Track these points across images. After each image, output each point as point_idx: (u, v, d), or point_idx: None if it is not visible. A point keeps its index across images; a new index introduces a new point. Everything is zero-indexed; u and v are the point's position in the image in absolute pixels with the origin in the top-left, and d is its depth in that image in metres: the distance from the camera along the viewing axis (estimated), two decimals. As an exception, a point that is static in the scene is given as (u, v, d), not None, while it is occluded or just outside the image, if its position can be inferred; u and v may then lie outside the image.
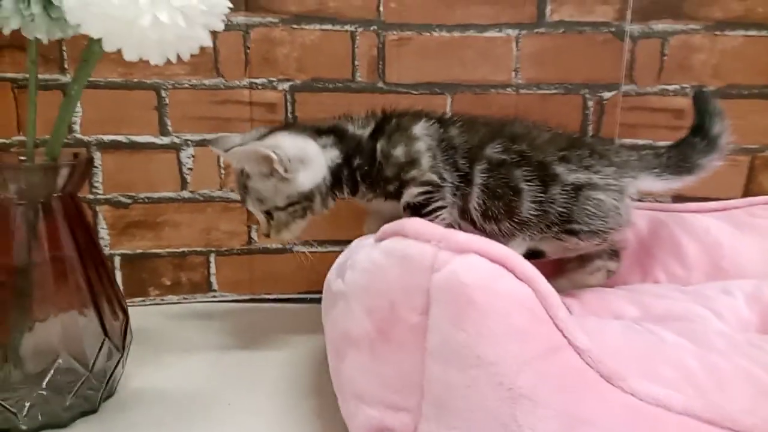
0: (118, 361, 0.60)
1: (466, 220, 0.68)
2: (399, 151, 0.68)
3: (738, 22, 0.83)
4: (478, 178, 0.66)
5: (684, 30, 0.84)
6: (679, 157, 0.69)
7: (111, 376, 0.59)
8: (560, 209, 0.64)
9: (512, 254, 0.41)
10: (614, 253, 0.74)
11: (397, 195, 0.68)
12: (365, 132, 0.71)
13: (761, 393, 0.45)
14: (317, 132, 0.71)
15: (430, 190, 0.66)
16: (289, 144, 0.68)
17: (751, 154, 0.87)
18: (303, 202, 0.70)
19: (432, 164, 0.67)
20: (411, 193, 0.67)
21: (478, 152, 0.67)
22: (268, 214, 0.71)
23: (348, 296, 0.49)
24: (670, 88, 0.86)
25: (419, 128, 0.69)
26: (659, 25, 0.84)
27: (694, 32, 0.84)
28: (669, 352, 0.50)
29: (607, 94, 0.86)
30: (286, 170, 0.67)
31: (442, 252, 0.42)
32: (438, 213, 0.67)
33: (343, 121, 0.74)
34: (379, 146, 0.69)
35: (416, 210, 0.67)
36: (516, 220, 0.65)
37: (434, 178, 0.66)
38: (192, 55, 0.85)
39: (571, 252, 0.69)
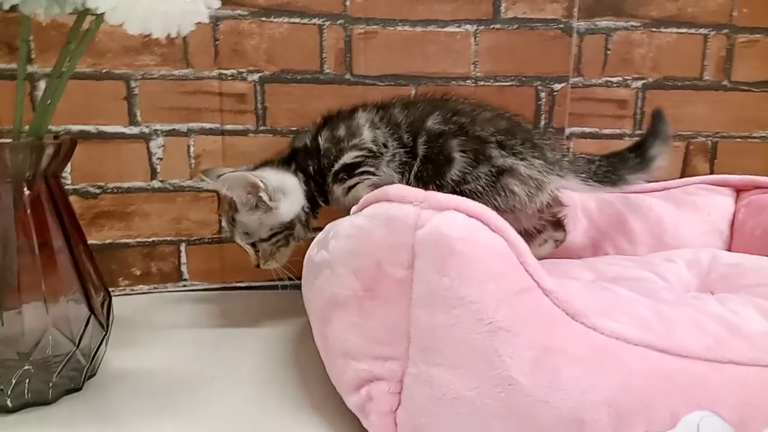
0: (102, 339, 0.61)
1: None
2: (341, 130, 0.74)
3: (672, 21, 0.92)
4: (420, 150, 0.70)
5: (625, 27, 0.92)
6: (609, 168, 0.72)
7: (95, 354, 0.60)
8: (478, 187, 0.67)
9: (486, 210, 0.46)
10: (558, 224, 0.79)
11: (339, 173, 0.73)
12: (309, 136, 0.77)
13: (704, 332, 0.51)
14: (284, 162, 0.77)
15: (366, 155, 0.71)
16: (273, 176, 0.74)
17: (686, 140, 0.96)
18: (285, 231, 0.75)
19: (373, 137, 0.72)
20: (348, 155, 0.72)
21: (420, 125, 0.71)
22: (254, 246, 0.76)
23: (333, 262, 0.52)
24: (614, 80, 0.94)
25: (360, 113, 0.74)
26: (603, 22, 0.92)
27: (634, 29, 0.92)
28: (624, 303, 0.56)
29: (557, 86, 0.93)
30: (270, 199, 0.72)
31: (424, 211, 0.46)
32: (365, 177, 0.71)
33: (296, 139, 0.80)
34: (321, 137, 0.75)
35: (348, 170, 0.71)
36: (438, 183, 0.69)
37: (373, 147, 0.71)
38: (161, 46, 0.87)
39: None
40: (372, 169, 0.71)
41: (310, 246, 0.63)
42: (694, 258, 0.77)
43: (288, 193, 0.74)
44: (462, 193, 0.66)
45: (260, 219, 0.74)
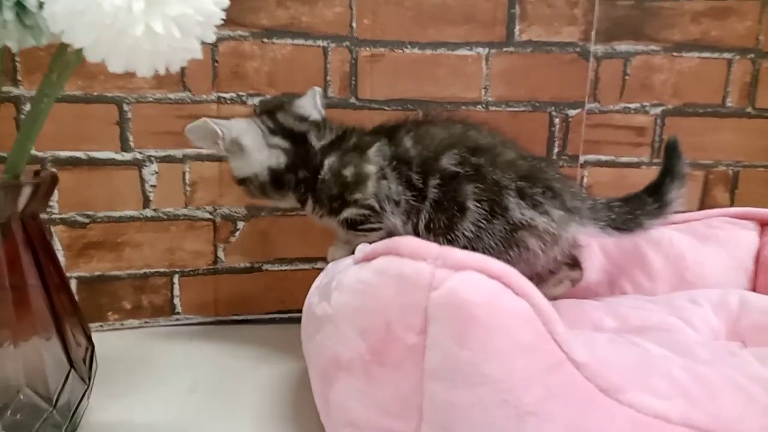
0: (84, 394, 0.56)
1: (416, 231, 0.67)
2: (348, 171, 0.68)
3: (694, 44, 0.88)
4: (431, 193, 0.65)
5: (645, 51, 0.88)
6: (627, 216, 0.67)
7: (76, 410, 0.55)
8: (491, 243, 0.62)
9: (510, 270, 0.41)
10: (574, 263, 0.74)
11: (338, 212, 0.68)
12: (320, 143, 0.71)
13: (749, 401, 0.46)
14: (277, 130, 0.71)
15: (369, 214, 0.67)
16: (239, 128, 0.70)
17: (705, 169, 0.92)
18: (245, 184, 0.72)
19: (376, 192, 0.66)
20: (350, 212, 0.67)
21: (433, 164, 0.65)
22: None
23: (337, 319, 0.48)
24: (632, 106, 0.89)
25: (372, 150, 0.68)
26: (622, 46, 0.87)
27: (654, 53, 0.88)
28: (657, 363, 0.51)
29: (572, 112, 0.88)
30: (225, 150, 0.69)
31: (439, 270, 0.41)
32: (371, 233, 0.67)
33: (313, 127, 0.73)
34: (327, 162, 0.69)
35: (351, 225, 0.68)
36: (449, 237, 0.63)
37: (375, 204, 0.66)
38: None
39: None
40: (376, 225, 0.67)
41: (310, 291, 0.59)
42: (722, 300, 0.72)
43: (244, 152, 0.70)
44: (474, 249, 0.61)
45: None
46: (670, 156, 0.71)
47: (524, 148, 0.70)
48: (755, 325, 0.65)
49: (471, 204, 0.62)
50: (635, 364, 0.50)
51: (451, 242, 0.63)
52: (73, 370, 0.53)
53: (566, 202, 0.64)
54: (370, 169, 0.67)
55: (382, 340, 0.43)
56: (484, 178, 0.62)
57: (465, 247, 0.61)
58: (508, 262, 0.58)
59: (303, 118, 0.73)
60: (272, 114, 0.72)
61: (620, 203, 0.68)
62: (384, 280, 0.44)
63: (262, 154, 0.70)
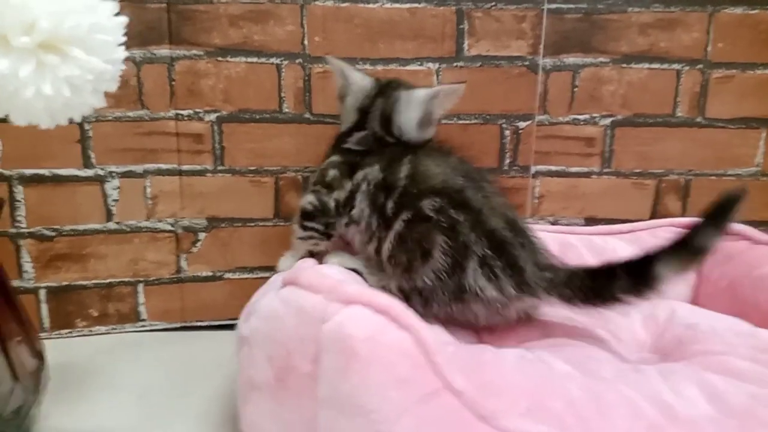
0: (31, 407, 0.60)
1: (379, 256, 0.69)
2: (332, 174, 0.72)
3: (643, 56, 0.89)
4: (398, 224, 0.66)
5: (593, 63, 0.89)
6: (594, 286, 0.63)
7: (23, 423, 0.59)
8: (444, 296, 0.63)
9: (395, 305, 0.44)
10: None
11: (305, 194, 0.74)
12: (349, 145, 0.75)
13: (637, 418, 0.49)
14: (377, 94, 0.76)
15: (320, 209, 0.70)
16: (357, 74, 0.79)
17: (657, 178, 0.93)
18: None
19: (338, 199, 0.70)
20: (308, 198, 0.72)
21: (414, 200, 0.65)
22: None
23: (251, 342, 0.51)
24: (581, 117, 0.91)
25: (360, 174, 0.70)
26: (570, 59, 0.89)
27: (602, 65, 0.89)
28: (557, 383, 0.54)
29: (522, 124, 0.90)
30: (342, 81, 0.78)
31: (331, 304, 0.45)
32: (313, 235, 0.71)
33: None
34: (332, 157, 0.75)
35: (302, 215, 0.73)
36: (408, 278, 0.64)
37: (331, 206, 0.70)
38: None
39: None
40: (319, 227, 0.71)
41: (245, 308, 0.62)
42: (652, 313, 0.74)
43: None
44: (427, 296, 0.63)
45: None
46: (709, 218, 0.60)
47: (511, 206, 0.70)
48: (677, 338, 0.68)
49: (437, 253, 0.63)
50: (535, 385, 0.52)
51: (409, 281, 0.64)
52: (18, 384, 0.57)
53: (526, 273, 0.63)
54: (346, 186, 0.71)
55: (285, 367, 0.47)
56: (456, 236, 0.63)
57: (420, 291, 0.63)
58: (449, 314, 0.63)
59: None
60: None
61: (585, 272, 0.64)
62: (287, 311, 0.47)
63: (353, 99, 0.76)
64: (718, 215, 0.60)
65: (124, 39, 0.44)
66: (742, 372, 0.58)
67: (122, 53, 0.44)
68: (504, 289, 0.63)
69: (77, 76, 0.40)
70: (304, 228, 0.72)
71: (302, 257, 0.70)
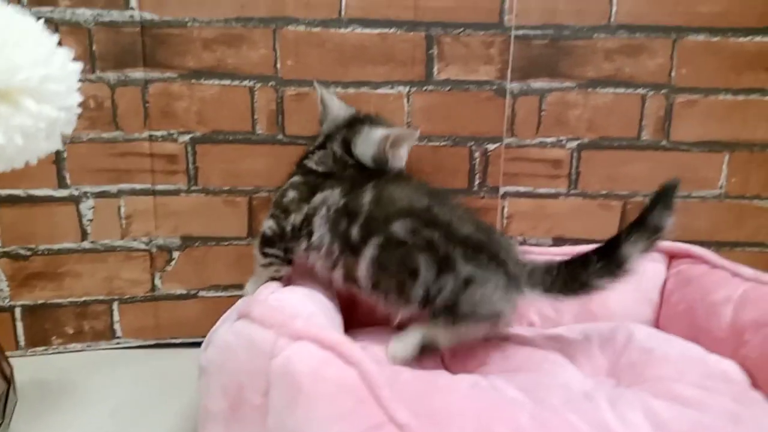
0: (-2, 430, 0.61)
1: (352, 283, 0.70)
2: (291, 195, 0.73)
3: (608, 81, 0.91)
4: (370, 251, 0.67)
5: (560, 87, 0.91)
6: (568, 276, 0.69)
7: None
8: (448, 295, 0.66)
9: (343, 340, 0.46)
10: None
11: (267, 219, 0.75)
12: (311, 165, 0.77)
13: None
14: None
15: (278, 234, 0.71)
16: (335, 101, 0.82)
17: (623, 199, 0.95)
18: None
19: (294, 228, 0.71)
20: (267, 223, 0.73)
21: (383, 226, 0.67)
22: None
23: (207, 372, 0.53)
24: (548, 140, 0.93)
25: (319, 197, 0.71)
26: (537, 83, 0.91)
27: (569, 89, 0.91)
28: (506, 410, 0.56)
29: (491, 146, 0.92)
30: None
31: (280, 339, 0.46)
32: (273, 261, 0.72)
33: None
34: (293, 178, 0.76)
35: (261, 240, 0.73)
36: (405, 298, 0.68)
37: (288, 230, 0.71)
38: (89, 109, 0.87)
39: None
40: (278, 253, 0.72)
41: (208, 335, 0.64)
42: (611, 336, 0.76)
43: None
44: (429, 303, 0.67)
45: None
46: (654, 202, 0.67)
47: (476, 216, 0.74)
48: (631, 363, 0.70)
49: (423, 270, 0.66)
50: (483, 412, 0.54)
51: (408, 302, 0.67)
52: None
53: (509, 270, 0.68)
54: (303, 209, 0.71)
55: (238, 399, 0.49)
56: (436, 251, 0.66)
57: (421, 304, 0.67)
58: (474, 302, 0.66)
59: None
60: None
61: (559, 265, 0.69)
62: (239, 343, 0.49)
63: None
64: (664, 198, 0.67)
65: (78, 85, 0.46)
66: (688, 398, 0.60)
67: (76, 99, 0.46)
68: (498, 276, 0.67)
69: (29, 126, 0.41)
70: (265, 255, 0.73)
71: (267, 281, 0.72)
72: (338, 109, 0.80)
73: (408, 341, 0.69)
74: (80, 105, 0.84)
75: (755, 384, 0.65)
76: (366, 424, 0.44)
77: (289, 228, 0.72)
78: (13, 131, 0.40)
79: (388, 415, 0.45)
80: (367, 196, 0.70)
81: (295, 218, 0.72)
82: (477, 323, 0.68)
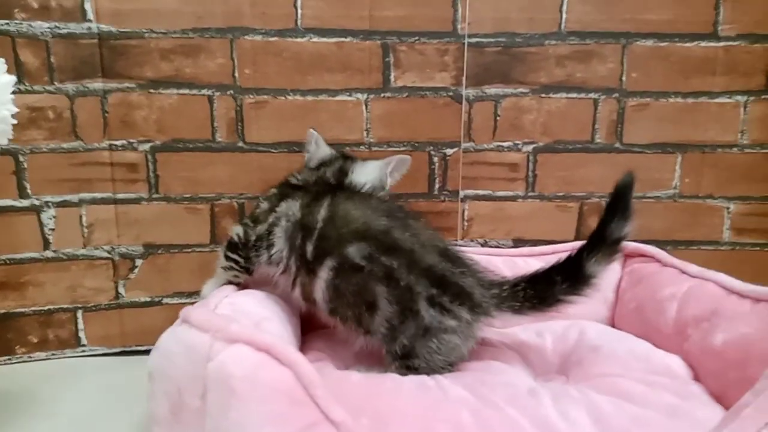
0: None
1: (311, 304, 0.70)
2: (263, 206, 0.75)
3: (561, 86, 0.93)
4: (324, 273, 0.66)
5: (514, 93, 0.93)
6: (534, 292, 0.68)
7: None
8: (406, 342, 0.65)
9: (276, 343, 0.47)
10: None
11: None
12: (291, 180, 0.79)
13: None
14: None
15: (243, 242, 0.72)
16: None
17: (579, 201, 0.97)
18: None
19: (259, 238, 0.72)
20: (237, 228, 0.74)
21: (337, 247, 0.66)
22: None
23: (152, 377, 0.54)
24: (505, 144, 0.95)
25: (283, 206, 0.72)
26: (492, 89, 0.93)
27: (522, 95, 0.93)
28: (447, 409, 0.57)
29: (449, 151, 0.94)
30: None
31: (216, 342, 0.47)
32: (233, 266, 0.73)
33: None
34: (271, 190, 0.78)
35: (227, 245, 0.74)
36: (366, 330, 0.67)
37: (251, 238, 0.72)
38: (48, 120, 0.88)
39: None
40: (240, 260, 0.72)
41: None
42: (563, 334, 0.78)
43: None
44: (393, 340, 0.66)
45: None
46: (610, 211, 0.66)
47: (440, 238, 0.73)
48: (580, 360, 0.71)
49: (382, 303, 0.65)
50: (425, 411, 0.56)
51: (367, 333, 0.67)
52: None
53: (476, 300, 0.67)
54: (269, 219, 0.72)
55: (177, 403, 0.50)
56: (396, 283, 0.65)
57: (382, 339, 0.66)
58: (429, 360, 0.65)
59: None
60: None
61: (525, 281, 0.69)
62: (178, 348, 0.50)
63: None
64: (619, 205, 0.66)
65: (11, 97, 0.47)
66: (631, 394, 0.62)
67: (10, 110, 0.47)
68: (461, 317, 0.66)
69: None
70: (227, 258, 0.74)
71: (224, 284, 0.74)
72: (326, 150, 0.83)
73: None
74: (39, 115, 0.85)
75: (697, 377, 0.67)
76: (301, 424, 0.45)
77: (253, 238, 0.72)
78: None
79: (323, 413, 0.46)
80: (321, 212, 0.69)
81: (260, 228, 0.72)
82: (431, 371, 0.66)
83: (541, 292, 0.68)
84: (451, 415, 0.56)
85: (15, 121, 0.48)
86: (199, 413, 0.48)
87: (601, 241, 0.67)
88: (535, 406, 0.59)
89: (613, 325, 0.85)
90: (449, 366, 0.67)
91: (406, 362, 0.66)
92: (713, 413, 0.59)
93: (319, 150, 0.83)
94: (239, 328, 0.47)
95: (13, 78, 0.49)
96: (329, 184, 0.76)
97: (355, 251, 0.66)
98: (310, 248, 0.68)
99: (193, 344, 0.48)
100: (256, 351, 0.46)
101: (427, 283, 0.65)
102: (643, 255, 0.87)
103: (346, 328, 0.69)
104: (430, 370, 0.66)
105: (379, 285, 0.65)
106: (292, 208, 0.71)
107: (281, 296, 0.74)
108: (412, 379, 0.63)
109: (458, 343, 0.67)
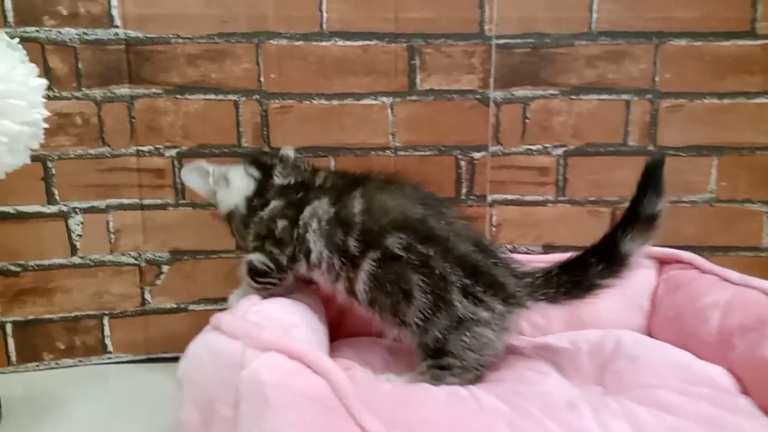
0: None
1: (353, 297, 0.69)
2: (281, 224, 0.70)
3: (592, 87, 0.91)
4: (367, 265, 0.66)
5: (543, 95, 0.91)
6: (568, 278, 0.67)
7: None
8: (438, 334, 0.64)
9: (309, 351, 0.46)
10: None
11: (252, 251, 0.71)
12: (280, 181, 0.74)
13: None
14: (254, 163, 0.76)
15: (273, 269, 0.69)
16: (227, 168, 0.76)
17: (611, 205, 0.95)
18: (230, 221, 0.75)
19: (290, 253, 0.69)
20: (258, 258, 0.70)
21: (378, 239, 0.66)
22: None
23: (181, 384, 0.53)
24: (534, 147, 0.93)
25: (309, 210, 0.70)
26: (520, 91, 0.91)
27: (552, 97, 0.91)
28: (482, 419, 0.55)
29: (476, 155, 0.92)
30: (214, 183, 0.74)
31: (248, 349, 0.46)
32: (268, 287, 0.70)
33: (279, 162, 0.76)
34: (273, 204, 0.72)
35: (252, 272, 0.70)
36: (400, 321, 0.66)
37: (284, 262, 0.69)
38: (76, 126, 0.88)
39: None
40: (275, 281, 0.70)
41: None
42: (599, 343, 0.76)
43: (228, 184, 0.74)
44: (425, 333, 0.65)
45: (216, 200, 0.76)
46: (642, 189, 0.65)
47: (473, 229, 0.72)
48: (618, 370, 0.69)
49: (417, 293, 0.64)
50: (459, 422, 0.54)
51: (401, 325, 0.66)
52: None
53: (509, 291, 0.66)
54: (296, 232, 0.69)
55: (209, 412, 0.49)
56: (431, 272, 0.64)
57: (415, 332, 0.65)
58: (463, 347, 0.64)
59: (281, 157, 0.77)
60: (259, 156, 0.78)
61: (558, 269, 0.67)
62: (208, 356, 0.49)
63: (241, 182, 0.74)
64: (650, 182, 0.65)
65: (42, 100, 0.46)
66: (672, 405, 0.59)
67: (41, 114, 0.46)
68: (494, 308, 0.65)
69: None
70: (257, 282, 0.71)
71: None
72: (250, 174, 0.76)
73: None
74: (67, 121, 0.85)
75: (743, 389, 0.64)
76: (334, 435, 0.44)
77: (285, 261, 0.70)
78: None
79: (357, 424, 0.44)
80: (357, 205, 0.68)
81: (290, 248, 0.69)
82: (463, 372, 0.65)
83: (575, 277, 0.67)
84: (486, 426, 0.54)
85: (46, 125, 0.48)
86: (231, 423, 0.46)
87: (635, 218, 0.66)
88: (574, 418, 0.57)
89: (649, 334, 0.82)
90: (482, 367, 0.66)
91: (439, 361, 0.65)
92: (762, 428, 0.56)
93: (237, 178, 0.75)
94: (271, 335, 0.46)
95: (44, 81, 0.49)
96: (352, 176, 0.74)
97: (394, 241, 0.66)
98: (352, 242, 0.67)
99: (224, 351, 0.47)
100: (289, 359, 0.45)
101: (461, 273, 0.65)
102: (679, 261, 0.84)
103: (383, 319, 0.68)
104: (462, 371, 0.65)
105: (416, 274, 0.65)
106: (320, 207, 0.70)
107: (308, 294, 0.72)
108: (443, 389, 0.61)
109: (492, 337, 0.66)
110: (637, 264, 0.67)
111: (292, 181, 0.74)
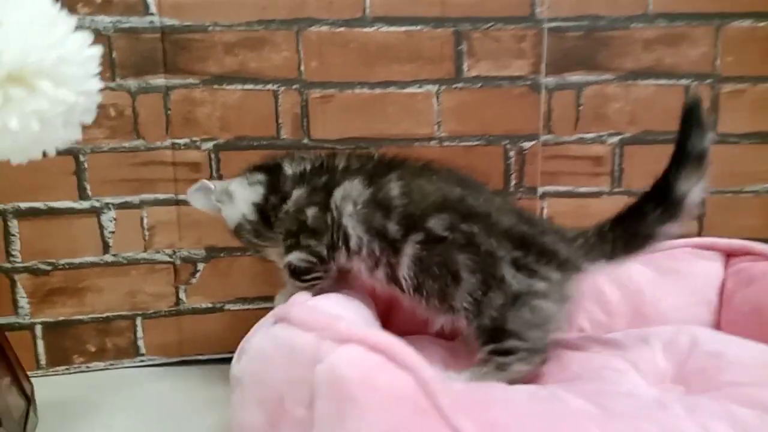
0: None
1: (395, 285, 0.65)
2: (310, 212, 0.66)
3: (649, 72, 0.86)
4: (410, 248, 0.63)
5: (597, 81, 0.87)
6: (624, 233, 0.64)
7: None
8: (495, 314, 0.61)
9: (394, 343, 0.41)
10: None
11: (288, 251, 0.67)
12: (294, 170, 0.71)
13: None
14: (256, 168, 0.73)
15: (315, 262, 0.66)
16: (228, 182, 0.73)
17: (670, 197, 0.90)
18: (240, 233, 0.72)
19: (329, 241, 0.65)
20: (297, 256, 0.66)
21: (420, 221, 0.63)
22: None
23: (242, 384, 0.48)
24: (587, 136, 0.88)
25: (340, 192, 0.66)
26: (573, 77, 0.87)
27: (607, 82, 0.87)
28: (572, 420, 0.50)
29: (527, 144, 0.88)
30: (217, 200, 0.71)
31: (324, 342, 0.42)
32: (315, 282, 0.66)
33: (287, 157, 0.74)
34: (295, 194, 0.68)
35: (295, 273, 0.67)
36: (449, 306, 0.63)
37: (324, 253, 0.65)
38: (110, 118, 0.85)
39: None
40: (321, 274, 0.66)
41: (239, 346, 0.59)
42: (673, 339, 0.70)
43: (231, 197, 0.71)
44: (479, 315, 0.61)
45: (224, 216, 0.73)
46: (685, 130, 0.62)
47: (514, 203, 0.70)
48: (700, 368, 0.63)
49: (465, 274, 0.61)
50: (548, 424, 0.49)
51: (450, 310, 0.63)
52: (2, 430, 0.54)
53: (562, 257, 0.63)
54: (330, 217, 0.66)
55: (278, 412, 0.44)
56: (477, 249, 0.61)
57: (467, 316, 0.62)
58: (525, 324, 0.60)
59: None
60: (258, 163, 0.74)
61: (611, 224, 0.65)
62: (277, 351, 0.45)
63: (245, 191, 0.71)
64: (692, 120, 0.62)
65: (98, 70, 0.42)
66: (773, 404, 0.54)
67: (96, 84, 0.42)
68: (550, 278, 0.62)
69: (46, 110, 0.38)
70: (304, 281, 0.67)
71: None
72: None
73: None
74: (101, 113, 0.82)
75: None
76: (426, 435, 0.39)
77: (325, 251, 0.66)
78: (29, 116, 0.36)
79: (450, 426, 0.40)
80: (394, 188, 0.65)
81: (327, 236, 0.66)
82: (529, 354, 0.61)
83: (632, 227, 0.64)
84: (577, 427, 0.49)
85: (101, 99, 0.44)
86: (304, 423, 0.42)
87: (685, 157, 0.62)
88: (669, 418, 0.52)
89: (719, 330, 0.77)
90: (546, 345, 0.63)
91: (501, 345, 0.61)
92: None
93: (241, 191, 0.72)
94: (350, 325, 0.42)
95: (99, 50, 0.45)
96: (382, 158, 0.71)
97: (437, 223, 0.63)
98: (392, 226, 0.64)
99: (295, 345, 0.43)
100: (372, 352, 0.40)
101: (509, 246, 0.62)
102: (750, 253, 0.79)
103: (429, 306, 0.64)
104: (528, 354, 0.61)
105: (461, 254, 0.62)
106: (353, 189, 0.66)
107: (357, 289, 0.69)
108: (520, 388, 0.56)
109: (553, 309, 0.62)
110: (694, 210, 0.64)
111: (308, 167, 0.70)
